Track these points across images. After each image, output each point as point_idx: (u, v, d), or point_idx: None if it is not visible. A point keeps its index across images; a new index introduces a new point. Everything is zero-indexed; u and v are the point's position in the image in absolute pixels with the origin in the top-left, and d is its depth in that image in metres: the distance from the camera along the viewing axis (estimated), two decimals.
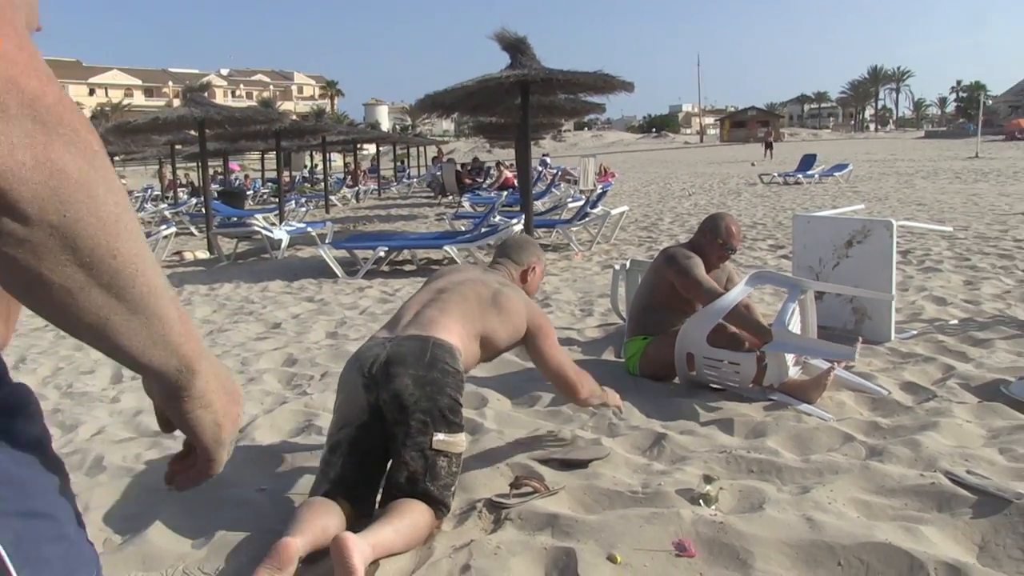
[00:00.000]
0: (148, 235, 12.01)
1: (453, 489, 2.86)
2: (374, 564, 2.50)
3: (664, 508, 2.81)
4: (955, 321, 5.62)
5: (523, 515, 2.85)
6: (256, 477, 3.38)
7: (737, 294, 4.34)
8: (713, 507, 2.86)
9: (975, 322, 5.57)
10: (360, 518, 2.73)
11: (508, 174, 22.69)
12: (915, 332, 5.32)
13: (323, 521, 2.58)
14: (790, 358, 4.25)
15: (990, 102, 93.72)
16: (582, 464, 3.33)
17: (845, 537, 2.52)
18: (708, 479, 3.02)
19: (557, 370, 3.28)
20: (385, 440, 2.81)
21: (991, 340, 5.01)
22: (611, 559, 2.53)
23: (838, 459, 3.25)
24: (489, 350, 3.17)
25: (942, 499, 2.82)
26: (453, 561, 2.55)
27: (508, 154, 32.98)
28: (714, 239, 4.67)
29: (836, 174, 23.34)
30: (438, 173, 25.14)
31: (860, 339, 4.86)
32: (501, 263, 3.56)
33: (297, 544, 2.41)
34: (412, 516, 2.66)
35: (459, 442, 2.85)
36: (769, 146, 42.91)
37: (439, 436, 2.76)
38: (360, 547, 2.36)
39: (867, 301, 5.25)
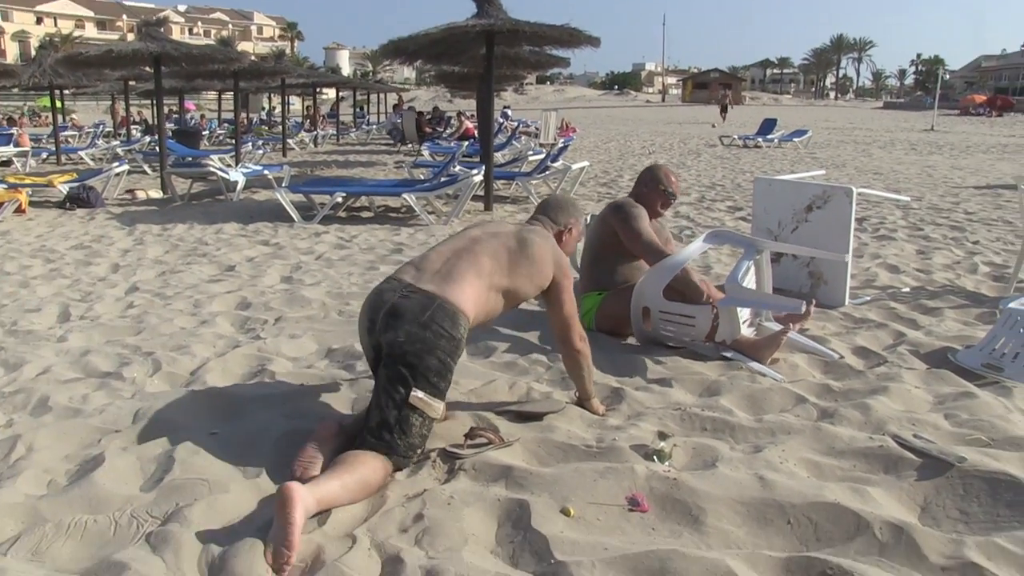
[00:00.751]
0: (99, 172, 11.72)
1: (419, 451, 2.89)
2: (327, 512, 2.49)
3: (618, 463, 2.83)
4: (907, 289, 5.72)
5: (477, 466, 2.85)
6: (207, 420, 3.32)
7: (694, 250, 4.41)
8: (667, 463, 2.88)
9: (926, 291, 5.67)
10: None
11: (469, 124, 22.44)
12: (868, 298, 5.40)
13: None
14: (744, 315, 4.30)
15: (947, 77, 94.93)
16: (537, 417, 3.33)
17: (795, 496, 2.56)
18: (662, 436, 3.04)
19: (567, 317, 3.33)
20: None
21: (941, 309, 5.11)
22: (564, 512, 2.54)
23: (790, 420, 3.29)
24: (514, 300, 3.23)
25: (889, 462, 2.87)
26: (406, 510, 2.54)
27: (469, 104, 32.58)
28: (655, 187, 4.73)
29: (795, 140, 23.48)
30: (398, 121, 24.78)
31: (813, 301, 4.91)
32: (539, 219, 3.57)
33: (336, 423, 2.91)
34: (362, 471, 2.68)
35: (436, 407, 2.86)
36: (724, 109, 41.35)
37: (418, 393, 2.79)
38: (305, 500, 2.39)
39: (823, 265, 5.31)
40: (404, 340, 2.82)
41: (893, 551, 2.30)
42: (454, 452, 2.95)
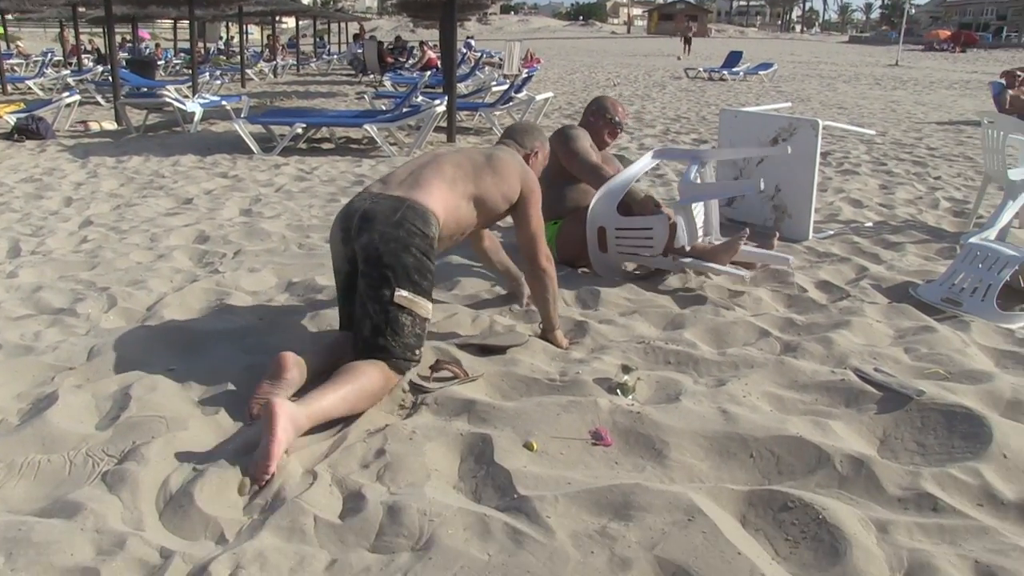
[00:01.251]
0: (48, 102, 11.33)
1: (418, 351, 2.94)
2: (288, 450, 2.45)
3: (581, 397, 2.82)
4: (870, 224, 5.74)
5: (439, 400, 2.83)
6: (165, 356, 3.25)
7: (641, 166, 4.51)
8: (630, 397, 2.88)
9: (889, 225, 5.70)
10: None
11: (431, 55, 22.04)
12: (832, 232, 5.42)
13: (328, 349, 2.99)
14: (699, 221, 4.42)
15: (913, 11, 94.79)
16: (500, 350, 3.31)
17: (758, 430, 2.57)
18: (626, 369, 3.04)
19: (534, 233, 3.38)
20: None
21: (903, 244, 5.14)
22: (527, 446, 2.53)
23: (753, 353, 3.30)
24: (485, 212, 3.25)
25: (850, 395, 2.90)
26: (367, 446, 2.51)
27: (432, 35, 31.95)
28: (602, 115, 4.77)
29: (761, 72, 23.40)
30: (359, 51, 24.23)
31: (776, 235, 4.93)
32: (505, 143, 3.63)
33: (292, 355, 2.77)
34: (362, 380, 2.74)
35: (424, 305, 2.92)
36: (688, 41, 41.49)
37: (402, 292, 2.84)
38: (293, 414, 2.46)
39: (787, 199, 5.30)
40: (379, 240, 2.85)
41: (853, 483, 2.33)
42: (419, 385, 2.93)
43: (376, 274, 2.85)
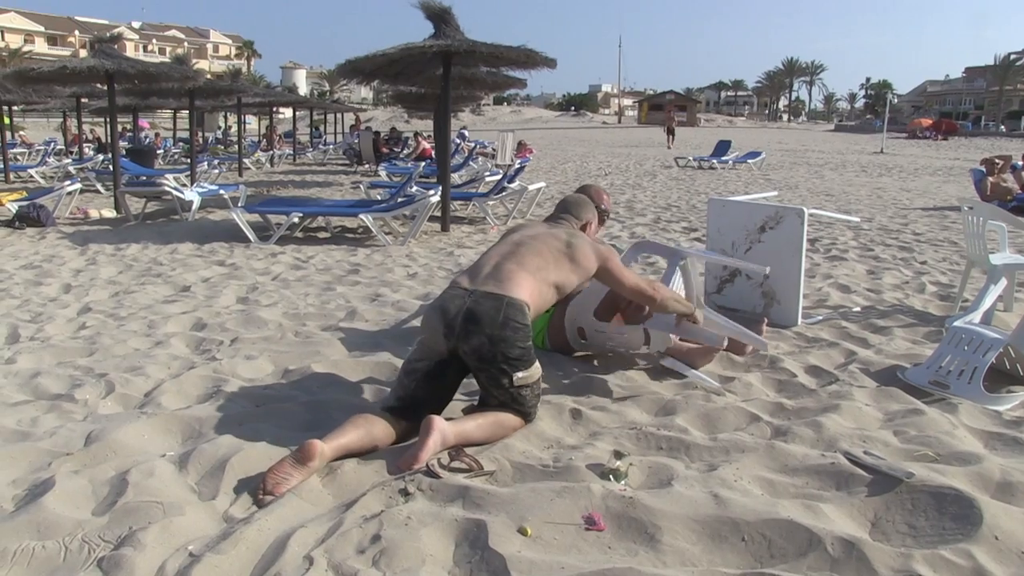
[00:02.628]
0: (50, 191, 11.51)
1: (538, 404, 3.49)
2: (287, 533, 2.46)
3: (575, 482, 2.84)
4: (858, 308, 5.84)
5: (434, 486, 2.85)
6: (162, 442, 3.28)
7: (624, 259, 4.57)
8: (623, 482, 2.90)
9: (876, 310, 5.79)
10: (411, 434, 3.23)
11: (426, 145, 22.47)
12: (820, 318, 5.50)
13: (367, 429, 3.15)
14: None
15: (896, 100, 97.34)
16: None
17: (749, 514, 2.59)
18: (618, 455, 3.07)
19: (633, 287, 3.83)
20: (458, 374, 3.44)
21: (890, 328, 5.22)
22: (522, 532, 2.54)
23: (744, 438, 3.34)
24: (564, 291, 3.68)
25: (840, 478, 2.93)
26: (363, 531, 2.53)
27: (426, 125, 32.65)
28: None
29: (749, 161, 23.88)
30: (355, 141, 24.72)
31: (766, 320, 5.01)
32: (564, 218, 4.05)
33: (320, 445, 2.92)
34: (497, 416, 3.30)
35: (534, 373, 3.38)
36: (671, 132, 39.24)
37: (518, 375, 3.31)
38: (443, 429, 3.06)
39: (776, 285, 5.40)
40: (489, 343, 3.26)
41: (844, 566, 2.35)
42: (433, 472, 2.94)
43: (494, 370, 3.29)
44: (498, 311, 3.27)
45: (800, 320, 5.35)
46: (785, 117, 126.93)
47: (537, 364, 3.41)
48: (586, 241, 3.77)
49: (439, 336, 3.32)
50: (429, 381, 3.37)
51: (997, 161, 13.10)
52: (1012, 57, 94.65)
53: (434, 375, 3.37)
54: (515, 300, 3.34)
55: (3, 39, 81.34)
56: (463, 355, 3.30)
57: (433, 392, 3.38)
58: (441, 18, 10.43)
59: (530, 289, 3.44)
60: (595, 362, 4.49)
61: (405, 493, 2.81)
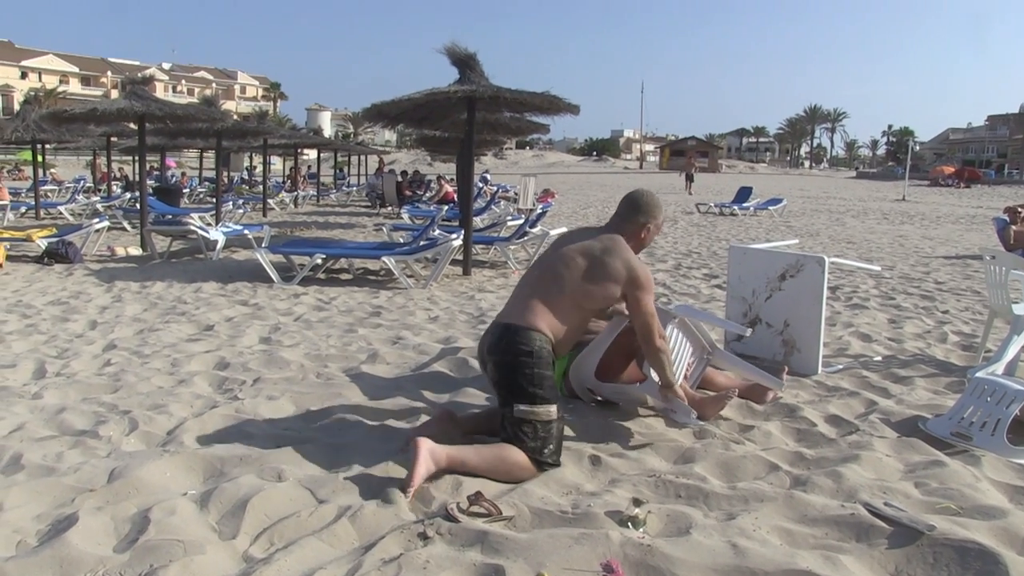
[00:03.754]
0: (78, 227, 11.70)
1: (546, 451, 3.41)
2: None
3: (593, 529, 2.85)
4: (879, 358, 5.81)
5: (453, 530, 2.86)
6: (184, 481, 3.32)
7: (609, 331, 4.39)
8: (641, 530, 2.90)
9: (897, 359, 5.76)
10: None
11: (448, 188, 22.65)
12: (841, 367, 5.48)
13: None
14: (680, 370, 4.36)
15: (918, 148, 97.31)
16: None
17: (768, 564, 2.59)
18: (637, 502, 3.07)
19: (647, 321, 3.77)
20: None
21: (911, 378, 5.19)
22: None
23: (763, 487, 3.33)
24: (594, 309, 3.80)
25: (860, 529, 2.91)
26: (382, 574, 2.54)
27: (449, 168, 32.99)
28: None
29: (771, 208, 23.88)
30: (378, 183, 24.98)
31: (786, 369, 5.00)
32: (618, 221, 3.99)
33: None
34: (502, 450, 3.35)
35: (542, 412, 3.39)
36: (690, 178, 38.63)
37: (520, 407, 3.37)
38: (432, 450, 3.19)
39: (796, 333, 5.39)
40: (493, 367, 3.51)
41: None
42: (452, 516, 2.95)
43: (502, 395, 3.47)
44: (500, 339, 3.52)
45: (820, 369, 5.33)
46: (807, 164, 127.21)
47: (549, 408, 3.41)
48: (620, 258, 3.71)
49: (481, 365, 3.72)
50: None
51: (1020, 210, 13.04)
52: None
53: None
54: (521, 327, 3.52)
55: (40, 80, 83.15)
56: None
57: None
58: (466, 64, 10.58)
59: (542, 314, 3.57)
60: (614, 408, 4.49)
61: (424, 536, 2.82)
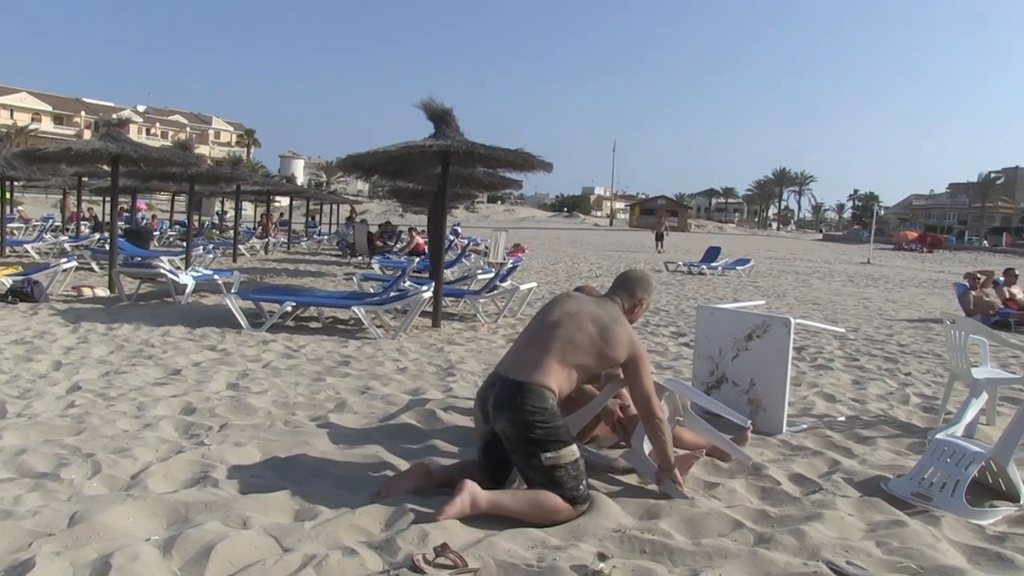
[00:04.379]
0: (45, 267, 11.58)
1: (581, 487, 3.62)
2: None
3: None
4: (843, 418, 5.89)
5: None
6: (147, 526, 3.28)
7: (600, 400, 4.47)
8: None
9: (861, 420, 5.85)
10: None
11: (420, 240, 22.69)
12: (805, 426, 5.55)
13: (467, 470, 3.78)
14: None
15: (882, 212, 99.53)
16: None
17: None
18: (602, 557, 3.08)
19: (646, 396, 3.89)
20: (506, 452, 3.68)
21: (874, 438, 5.27)
22: None
23: (727, 544, 3.35)
24: (586, 374, 3.87)
25: None
26: None
27: (421, 219, 33.07)
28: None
29: (739, 268, 24.20)
30: (349, 233, 25.00)
31: (751, 427, 5.05)
32: (617, 293, 4.18)
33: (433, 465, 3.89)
34: (537, 495, 3.52)
35: (567, 453, 3.57)
36: (660, 237, 38.38)
37: (547, 455, 3.53)
38: (475, 493, 3.43)
39: (761, 393, 5.46)
40: (510, 426, 3.58)
41: None
42: (418, 567, 2.94)
43: (522, 450, 3.58)
44: (515, 397, 3.58)
45: (785, 428, 5.40)
46: (774, 225, 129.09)
47: (572, 447, 3.61)
48: (626, 330, 3.90)
49: (480, 420, 3.81)
50: (487, 454, 3.82)
51: (980, 276, 13.38)
52: (992, 176, 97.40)
53: (488, 450, 3.81)
54: (533, 386, 3.61)
55: (12, 117, 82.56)
56: (499, 436, 3.67)
57: (492, 463, 3.79)
58: (442, 119, 10.70)
59: (553, 373, 3.68)
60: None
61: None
